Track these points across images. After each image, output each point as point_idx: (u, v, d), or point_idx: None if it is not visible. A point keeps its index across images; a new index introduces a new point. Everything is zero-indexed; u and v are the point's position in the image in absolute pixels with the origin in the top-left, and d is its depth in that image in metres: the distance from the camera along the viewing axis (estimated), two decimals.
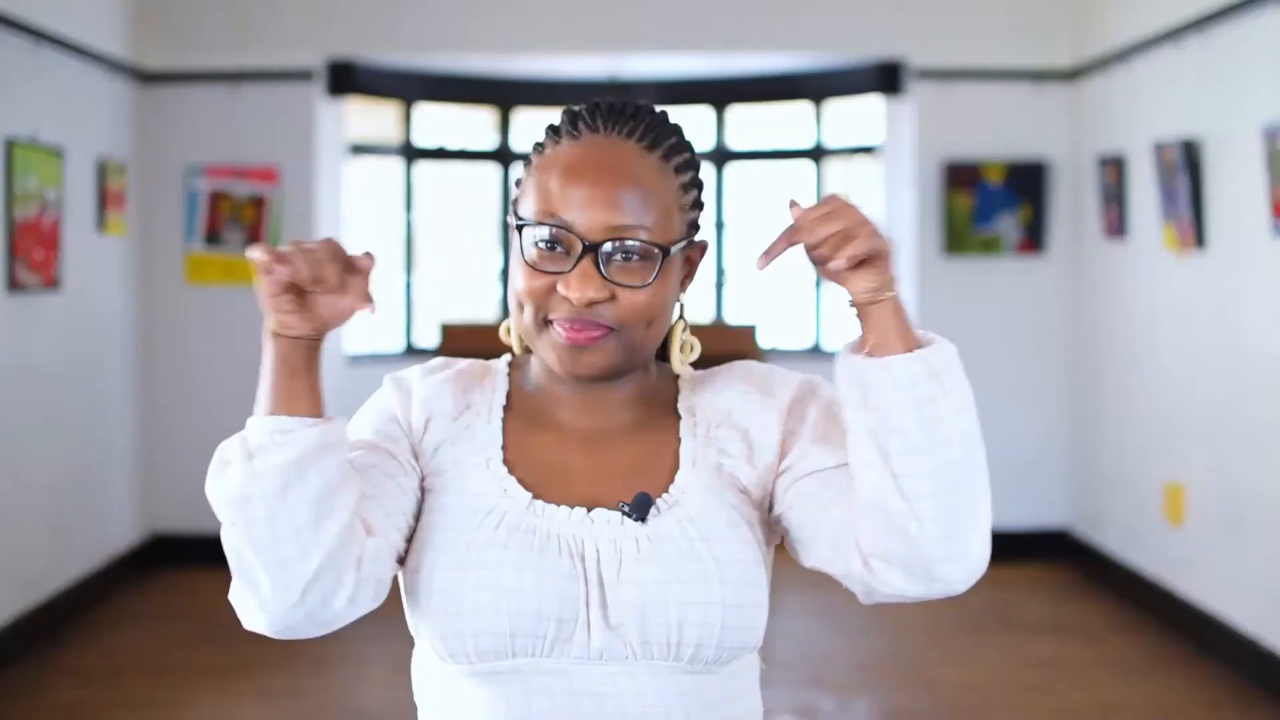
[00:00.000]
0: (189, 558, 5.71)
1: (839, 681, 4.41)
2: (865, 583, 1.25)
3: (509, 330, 1.37)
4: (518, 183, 1.34)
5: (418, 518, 1.31)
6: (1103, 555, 5.64)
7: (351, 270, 1.19)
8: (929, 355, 1.20)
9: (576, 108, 1.32)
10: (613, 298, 1.25)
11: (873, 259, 1.20)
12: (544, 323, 1.28)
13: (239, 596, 1.22)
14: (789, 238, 1.21)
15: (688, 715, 1.26)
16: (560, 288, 1.25)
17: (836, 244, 1.18)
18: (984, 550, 1.24)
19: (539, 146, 1.32)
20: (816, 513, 1.29)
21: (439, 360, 1.41)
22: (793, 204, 1.22)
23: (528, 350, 1.36)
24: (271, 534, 1.17)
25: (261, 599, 1.19)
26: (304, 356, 1.20)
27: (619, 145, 1.28)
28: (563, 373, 1.29)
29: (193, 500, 5.91)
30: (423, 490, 1.32)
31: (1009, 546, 6.07)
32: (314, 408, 1.20)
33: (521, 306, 1.28)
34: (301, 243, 1.18)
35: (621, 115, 1.30)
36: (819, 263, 1.21)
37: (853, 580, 1.26)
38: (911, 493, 1.19)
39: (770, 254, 1.21)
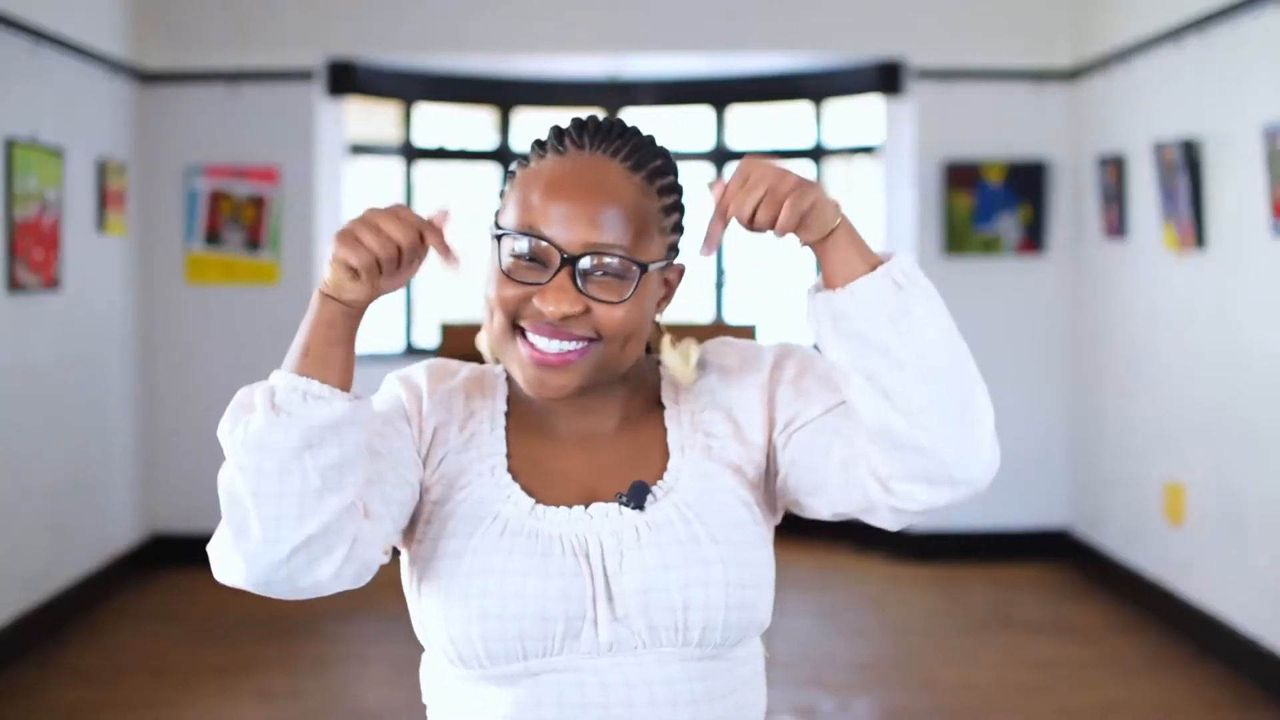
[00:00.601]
0: (189, 558, 5.67)
1: (839, 681, 4.41)
2: (890, 506, 1.26)
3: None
4: (501, 193, 1.35)
5: (414, 517, 1.33)
6: (1103, 555, 5.64)
7: (422, 239, 1.21)
8: (891, 269, 1.22)
9: (564, 125, 1.33)
10: (587, 311, 1.26)
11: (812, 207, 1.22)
12: (513, 328, 1.29)
13: (221, 545, 1.21)
14: (720, 218, 1.24)
15: (694, 703, 1.28)
16: (536, 300, 1.26)
17: (769, 207, 1.21)
18: (993, 444, 1.25)
19: (523, 160, 1.33)
20: (819, 459, 1.30)
21: (440, 363, 1.42)
22: (711, 184, 1.25)
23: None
24: (278, 488, 1.17)
25: (248, 550, 1.19)
26: (348, 326, 1.22)
27: (603, 163, 1.29)
28: (529, 391, 1.30)
29: (193, 500, 5.95)
30: (423, 493, 1.33)
31: (1009, 546, 6.09)
32: (345, 380, 1.22)
33: (492, 313, 1.30)
34: (379, 217, 1.19)
35: (608, 134, 1.31)
36: (761, 229, 1.24)
37: (876, 510, 1.28)
38: (909, 406, 1.20)
39: (710, 241, 1.26)
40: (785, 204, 1.20)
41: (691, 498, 1.30)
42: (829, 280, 1.24)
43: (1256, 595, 4.39)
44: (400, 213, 1.20)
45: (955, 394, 1.21)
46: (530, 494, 1.32)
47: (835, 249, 1.23)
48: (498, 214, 1.33)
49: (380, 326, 6.70)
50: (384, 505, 1.27)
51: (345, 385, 1.22)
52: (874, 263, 1.23)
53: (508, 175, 1.35)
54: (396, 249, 1.19)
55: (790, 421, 1.33)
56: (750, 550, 1.29)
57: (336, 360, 1.21)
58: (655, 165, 1.32)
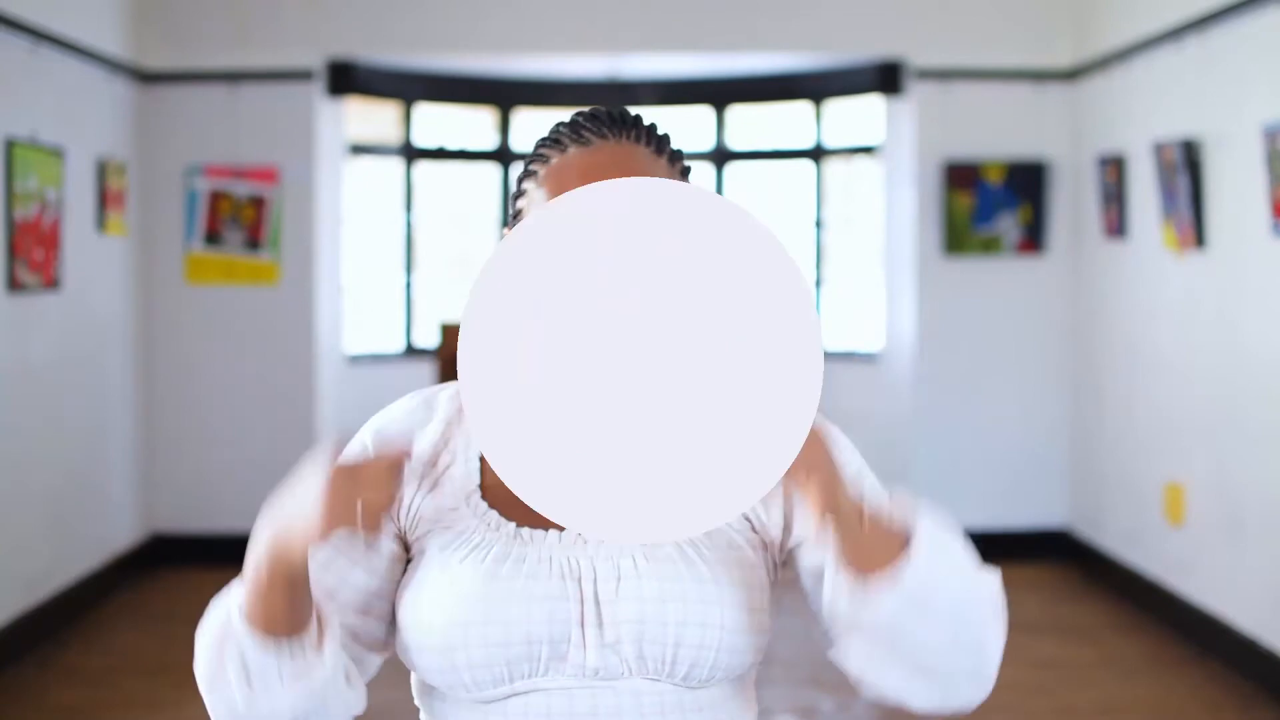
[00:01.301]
0: (189, 558, 5.71)
1: (839, 681, 4.38)
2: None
3: None
4: (516, 196, 1.33)
5: (405, 566, 1.32)
6: (1103, 555, 5.64)
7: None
8: (915, 560, 1.19)
9: (578, 116, 1.32)
10: None
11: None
12: None
13: (211, 696, 1.24)
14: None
15: (682, 712, 1.27)
16: None
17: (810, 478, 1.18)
18: (999, 660, 1.26)
19: (541, 157, 1.31)
20: (812, 585, 1.31)
21: (383, 427, 1.36)
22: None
23: None
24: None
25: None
26: (305, 565, 1.19)
27: (632, 150, 1.29)
28: None
29: (193, 500, 5.93)
30: (405, 542, 1.31)
31: (1009, 546, 6.09)
32: (308, 615, 1.22)
33: None
34: (346, 478, 1.16)
35: (626, 122, 1.31)
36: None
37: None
38: (933, 665, 1.22)
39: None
40: (816, 479, 1.17)
41: (698, 536, 1.27)
42: (853, 561, 1.20)
43: (1256, 595, 4.39)
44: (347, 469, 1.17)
45: (982, 640, 1.23)
46: (509, 519, 1.28)
47: (859, 537, 1.20)
48: (518, 215, 1.31)
49: (380, 327, 6.70)
50: (362, 618, 1.30)
51: (310, 618, 1.22)
52: (899, 541, 1.21)
53: (526, 175, 1.32)
54: (378, 501, 1.16)
55: (798, 540, 1.31)
56: (750, 596, 1.27)
57: (302, 602, 1.21)
58: (672, 150, 1.33)
